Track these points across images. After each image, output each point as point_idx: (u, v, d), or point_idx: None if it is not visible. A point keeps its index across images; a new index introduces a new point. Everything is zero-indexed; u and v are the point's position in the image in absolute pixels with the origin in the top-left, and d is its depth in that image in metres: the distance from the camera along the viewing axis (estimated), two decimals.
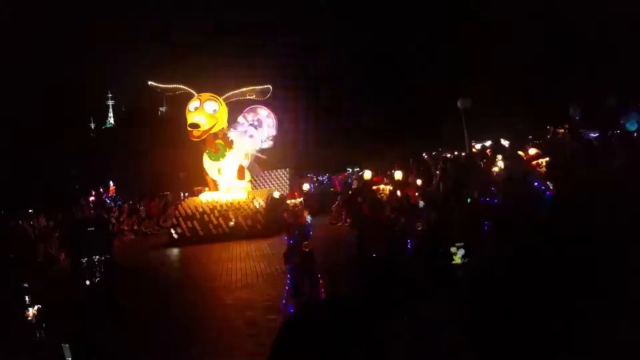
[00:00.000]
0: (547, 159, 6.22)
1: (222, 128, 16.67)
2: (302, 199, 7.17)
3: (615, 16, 19.83)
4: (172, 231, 15.98)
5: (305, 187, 10.53)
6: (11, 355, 6.07)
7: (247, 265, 11.00)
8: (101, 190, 26.22)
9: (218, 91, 17.02)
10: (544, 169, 6.11)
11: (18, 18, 25.93)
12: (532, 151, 6.64)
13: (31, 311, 6.39)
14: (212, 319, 7.32)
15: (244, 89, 17.36)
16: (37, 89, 27.41)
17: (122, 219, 18.93)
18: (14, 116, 24.69)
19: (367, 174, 11.85)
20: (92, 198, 23.85)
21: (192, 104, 16.16)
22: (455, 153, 19.60)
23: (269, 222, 15.02)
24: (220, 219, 15.71)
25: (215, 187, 17.22)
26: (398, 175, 10.30)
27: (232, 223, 15.53)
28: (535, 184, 6.52)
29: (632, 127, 13.90)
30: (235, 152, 16.82)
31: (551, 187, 6.01)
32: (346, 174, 22.59)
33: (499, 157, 11.39)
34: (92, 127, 46.00)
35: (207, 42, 32.57)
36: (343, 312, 1.11)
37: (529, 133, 18.59)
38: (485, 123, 21.58)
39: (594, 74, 21.45)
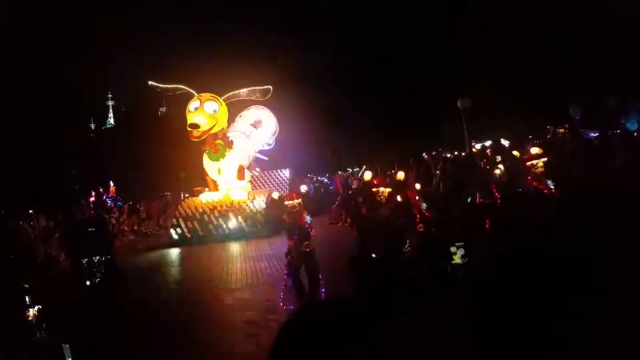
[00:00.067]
0: (545, 159, 6.19)
1: (222, 128, 16.68)
2: (300, 200, 7.17)
3: (615, 16, 19.83)
4: (172, 231, 15.98)
5: (303, 188, 10.50)
6: (11, 355, 6.07)
7: (247, 265, 11.01)
8: (101, 190, 26.21)
9: (218, 91, 17.02)
10: (539, 170, 6.10)
11: (18, 18, 25.94)
12: (534, 150, 6.63)
13: (31, 311, 6.39)
14: (212, 319, 7.33)
15: (245, 90, 17.36)
16: (37, 89, 27.42)
17: (122, 220, 18.94)
18: (14, 116, 24.70)
19: (368, 175, 11.86)
20: (92, 198, 23.84)
21: (192, 104, 16.16)
22: (455, 153, 19.61)
23: (269, 222, 15.03)
24: (221, 220, 15.72)
25: (215, 187, 17.22)
26: (400, 175, 10.31)
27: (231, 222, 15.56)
28: (519, 189, 6.53)
29: (632, 126, 13.90)
30: (235, 153, 16.83)
31: (552, 187, 6.01)
32: (346, 174, 22.57)
33: (498, 158, 11.40)
34: (92, 127, 46.05)
35: (207, 42, 32.58)
36: (343, 312, 1.11)
37: (529, 133, 18.60)
38: (485, 123, 21.57)
39: (594, 74, 21.45)
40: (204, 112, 15.91)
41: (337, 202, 16.89)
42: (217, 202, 16.24)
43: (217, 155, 16.53)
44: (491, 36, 22.93)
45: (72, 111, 30.37)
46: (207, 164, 16.90)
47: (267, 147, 18.80)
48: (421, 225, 7.15)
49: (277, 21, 34.98)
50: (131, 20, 37.81)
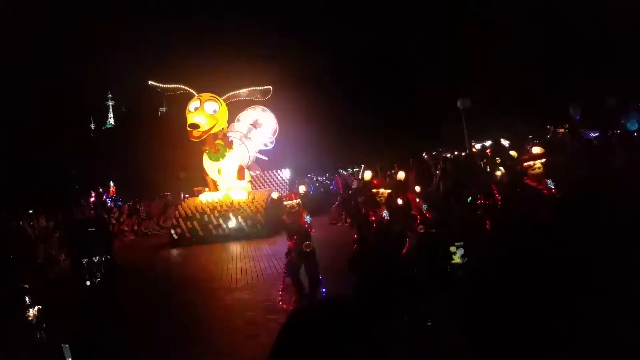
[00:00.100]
0: (543, 160, 6.17)
1: (222, 128, 16.68)
2: (299, 200, 7.17)
3: (615, 16, 19.83)
4: (172, 232, 15.98)
5: (302, 189, 10.48)
6: (11, 355, 6.08)
7: (247, 265, 11.01)
8: (101, 190, 26.22)
9: (218, 91, 17.02)
10: (537, 171, 6.09)
11: (18, 18, 25.94)
12: (536, 149, 6.62)
13: (31, 311, 6.40)
14: (212, 319, 7.32)
15: (245, 90, 17.36)
16: (37, 89, 27.43)
17: (122, 220, 18.94)
18: (14, 116, 24.70)
19: (367, 175, 11.86)
20: (92, 199, 23.84)
21: (192, 104, 16.16)
22: (455, 153, 19.61)
23: (269, 222, 15.02)
24: (221, 220, 15.72)
25: (215, 187, 17.22)
26: (401, 175, 10.29)
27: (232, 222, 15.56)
28: (517, 189, 6.52)
29: (632, 126, 13.90)
30: (235, 153, 16.83)
31: (552, 188, 6.01)
32: (346, 174, 22.58)
33: (498, 159, 11.40)
34: (92, 127, 46.06)
35: (207, 42, 32.59)
36: (343, 312, 1.11)
37: (529, 133, 18.59)
38: (485, 123, 21.57)
39: (594, 74, 21.44)
40: (204, 112, 15.90)
41: (337, 202, 16.89)
42: (217, 202, 16.24)
43: (217, 155, 16.53)
44: (491, 36, 22.93)
45: (72, 111, 30.38)
46: (207, 164, 16.90)
47: (267, 147, 18.82)
48: (422, 226, 7.14)
49: (277, 21, 35.02)
50: (131, 20, 37.83)
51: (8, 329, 6.56)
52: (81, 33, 34.48)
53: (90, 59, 35.99)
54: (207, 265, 11.95)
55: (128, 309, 7.99)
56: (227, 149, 16.61)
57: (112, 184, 27.72)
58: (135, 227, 19.38)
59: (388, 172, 16.48)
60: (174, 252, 14.71)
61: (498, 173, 8.70)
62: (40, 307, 6.45)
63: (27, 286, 6.78)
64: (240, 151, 17.11)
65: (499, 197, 7.77)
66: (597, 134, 13.93)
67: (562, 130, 15.87)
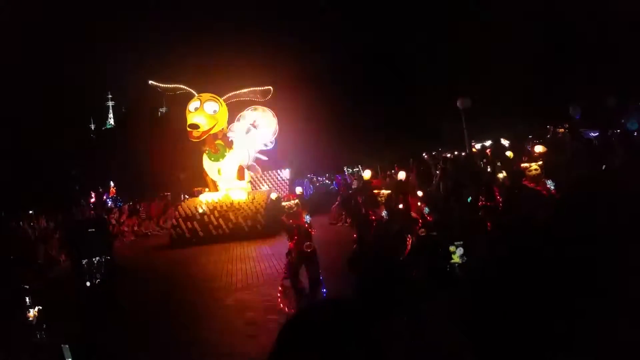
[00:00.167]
0: (540, 162, 6.19)
1: (222, 129, 16.68)
2: (297, 200, 7.16)
3: (615, 16, 19.82)
4: (172, 232, 15.98)
5: (298, 190, 10.48)
6: (12, 355, 6.07)
7: (247, 266, 11.00)
8: (100, 190, 26.23)
9: (218, 91, 17.02)
10: (533, 173, 6.10)
11: (18, 18, 25.94)
12: (539, 149, 6.63)
13: (32, 312, 6.40)
14: (212, 319, 7.32)
15: (245, 90, 17.36)
16: (37, 89, 27.43)
17: (122, 220, 18.94)
18: (14, 116, 24.70)
19: (367, 174, 11.86)
20: (92, 199, 23.84)
21: (192, 104, 16.16)
22: (455, 153, 19.61)
23: (269, 222, 15.02)
24: (221, 220, 15.71)
25: (215, 187, 17.22)
26: (401, 175, 10.28)
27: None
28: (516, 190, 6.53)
29: (632, 126, 13.90)
30: (235, 153, 16.82)
31: (551, 188, 6.01)
32: (347, 174, 22.59)
33: (499, 163, 11.40)
34: (92, 128, 46.06)
35: (207, 42, 32.58)
36: (343, 312, 1.11)
37: (529, 133, 18.59)
38: (485, 123, 21.56)
39: (594, 74, 21.43)
40: (204, 112, 15.91)
41: (337, 202, 16.89)
42: (217, 203, 16.23)
43: (217, 156, 16.53)
44: (491, 36, 22.92)
45: (72, 111, 30.39)
46: (207, 164, 16.90)
47: (267, 147, 18.81)
48: (423, 230, 7.14)
49: (277, 21, 35.03)
50: (131, 20, 37.85)
51: (8, 330, 6.56)
52: (81, 33, 34.51)
53: (90, 59, 36.00)
54: (207, 265, 11.94)
55: (128, 309, 7.99)
56: (227, 149, 16.61)
57: (112, 184, 27.74)
58: (135, 228, 19.38)
59: (388, 172, 16.49)
60: (174, 252, 14.69)
61: (500, 175, 8.70)
62: (41, 307, 6.46)
63: (27, 287, 6.79)
64: (240, 151, 17.11)
65: (500, 199, 7.78)
66: (597, 134, 13.93)
67: (562, 130, 15.86)
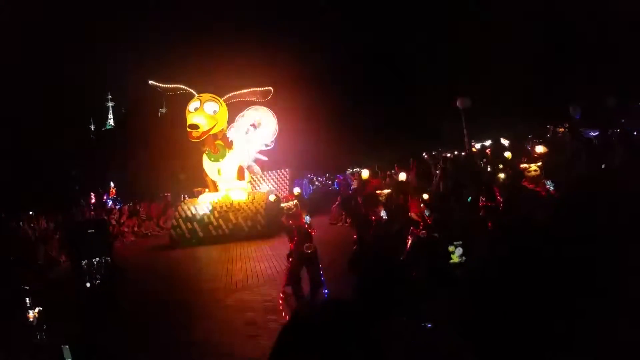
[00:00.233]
0: (540, 164, 6.21)
1: (222, 129, 16.68)
2: (296, 201, 7.14)
3: (615, 16, 19.83)
4: (172, 232, 15.98)
5: (296, 190, 10.47)
6: (12, 356, 6.07)
7: (247, 266, 11.00)
8: (100, 191, 26.23)
9: (218, 91, 17.02)
10: (532, 174, 6.11)
11: (18, 18, 25.96)
12: (540, 149, 6.64)
13: (32, 313, 6.39)
14: (212, 320, 7.32)
15: (245, 90, 17.35)
16: (37, 89, 27.45)
17: (122, 221, 18.93)
18: (14, 116, 24.71)
19: (365, 173, 11.86)
20: (92, 200, 23.84)
21: (192, 105, 16.16)
22: (455, 153, 19.60)
23: (269, 223, 15.02)
24: (220, 220, 15.71)
25: (215, 188, 17.21)
26: (402, 176, 10.27)
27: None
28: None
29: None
30: (234, 153, 16.82)
31: (550, 188, 6.02)
32: (347, 173, 22.59)
33: (501, 166, 11.39)
34: (92, 128, 46.09)
35: (207, 42, 32.59)
36: (344, 313, 1.11)
37: (529, 133, 18.59)
38: (485, 123, 21.57)
39: (594, 74, 21.44)
40: (203, 112, 15.90)
41: (337, 202, 16.89)
42: (216, 203, 16.23)
43: (217, 156, 16.53)
44: (491, 36, 22.93)
45: (72, 111, 30.40)
46: (207, 164, 16.90)
47: (267, 147, 18.81)
48: (424, 232, 7.14)
49: (277, 21, 35.04)
50: (131, 20, 37.86)
51: (8, 331, 6.55)
52: (81, 33, 34.53)
53: (90, 59, 36.03)
54: (207, 266, 11.95)
55: (128, 310, 7.99)
56: (227, 150, 16.60)
57: (112, 184, 27.74)
58: (135, 228, 19.38)
59: (388, 172, 16.49)
60: (174, 253, 14.70)
61: (501, 175, 8.70)
62: (41, 308, 6.45)
63: (27, 287, 6.78)
64: (240, 152, 17.11)
65: (501, 199, 7.78)
66: (597, 134, 13.93)
67: (562, 129, 15.85)
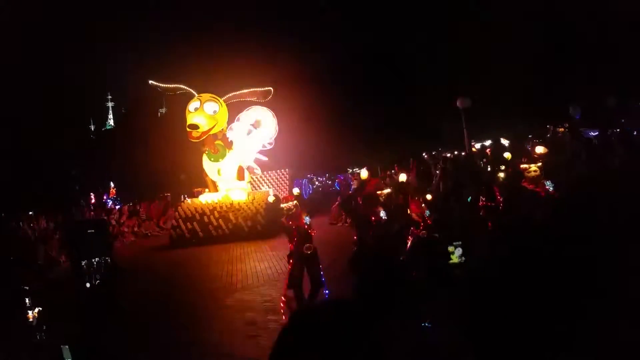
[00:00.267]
0: (539, 164, 6.22)
1: (222, 129, 16.67)
2: (296, 201, 7.11)
3: (615, 16, 19.82)
4: (172, 233, 15.98)
5: (295, 191, 10.45)
6: (11, 356, 6.07)
7: (247, 266, 11.00)
8: (100, 191, 26.23)
9: (219, 91, 17.02)
10: (532, 174, 6.12)
11: (18, 18, 25.96)
12: (540, 149, 6.65)
13: (31, 313, 6.39)
14: (212, 320, 7.32)
15: (245, 91, 17.35)
16: (37, 89, 27.45)
17: (122, 221, 18.93)
18: (14, 116, 24.71)
19: (364, 174, 11.85)
20: (92, 200, 23.84)
21: (192, 105, 16.16)
22: (455, 153, 19.60)
23: (269, 223, 15.02)
24: (220, 220, 15.70)
25: (214, 188, 17.21)
26: (402, 177, 10.25)
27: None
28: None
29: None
30: (234, 153, 16.82)
31: (550, 189, 6.02)
32: (348, 174, 22.62)
33: (502, 167, 11.39)
34: (92, 128, 46.09)
35: (207, 42, 32.59)
36: (344, 313, 1.11)
37: (529, 133, 18.59)
38: (485, 123, 21.57)
39: (594, 74, 21.43)
40: (203, 112, 15.91)
41: (337, 202, 16.89)
42: (217, 203, 16.23)
43: (216, 156, 16.53)
44: (491, 36, 22.92)
45: (72, 111, 30.40)
46: (207, 164, 16.90)
47: (267, 148, 18.82)
48: (424, 232, 7.13)
49: (277, 21, 35.04)
50: (131, 20, 37.87)
51: (8, 331, 6.55)
52: (81, 33, 34.53)
53: (90, 59, 36.04)
54: (207, 266, 11.94)
55: (128, 310, 7.99)
56: (227, 150, 16.60)
57: (112, 184, 27.74)
58: (135, 229, 19.37)
59: (388, 172, 16.49)
60: (174, 253, 14.69)
61: (501, 175, 8.70)
62: (40, 308, 6.45)
63: (27, 288, 6.77)
64: (240, 152, 17.11)
65: (501, 199, 7.78)
66: (597, 133, 13.93)
67: (562, 129, 15.86)
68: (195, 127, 15.63)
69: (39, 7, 28.36)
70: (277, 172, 22.94)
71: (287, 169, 23.37)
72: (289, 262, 6.91)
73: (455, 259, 5.47)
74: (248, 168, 17.54)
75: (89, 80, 34.89)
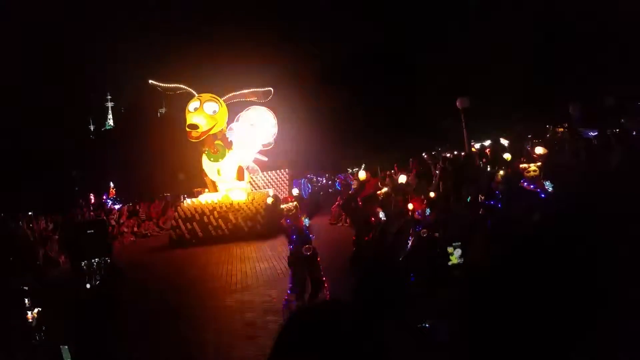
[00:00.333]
0: (539, 164, 6.24)
1: (222, 129, 16.67)
2: (295, 202, 7.08)
3: (615, 16, 19.83)
4: (172, 233, 15.97)
5: (295, 192, 10.44)
6: (11, 357, 6.07)
7: (246, 266, 11.00)
8: (100, 191, 26.23)
9: (219, 91, 17.01)
10: (532, 174, 6.13)
11: (18, 18, 25.98)
12: (539, 150, 6.65)
13: (31, 314, 6.38)
14: (211, 320, 7.32)
15: (246, 91, 17.34)
16: (37, 89, 27.47)
17: (121, 221, 18.93)
18: (14, 116, 24.73)
19: (362, 174, 11.84)
20: (92, 200, 23.84)
21: (192, 105, 16.16)
22: (455, 153, 19.60)
23: (269, 223, 15.01)
24: (220, 220, 15.70)
25: (214, 188, 17.20)
26: (402, 179, 10.23)
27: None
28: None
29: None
30: (234, 153, 16.81)
31: (549, 189, 6.02)
32: (348, 174, 22.61)
33: (503, 168, 11.38)
34: (92, 128, 46.09)
35: (207, 42, 32.60)
36: (344, 312, 1.11)
37: (529, 133, 18.58)
38: (485, 123, 21.57)
39: (594, 74, 21.43)
40: (203, 112, 15.90)
41: (337, 202, 16.88)
42: (216, 203, 16.22)
43: (216, 156, 16.53)
44: (491, 36, 22.94)
45: (72, 111, 30.43)
46: (206, 164, 16.89)
47: (266, 148, 18.81)
48: (424, 230, 7.13)
49: (277, 21, 35.02)
50: (131, 20, 37.88)
51: (7, 331, 6.55)
52: (81, 33, 34.53)
53: (90, 59, 36.05)
54: (206, 266, 11.94)
55: (127, 310, 7.98)
56: (227, 150, 16.59)
57: (111, 185, 27.74)
58: (135, 229, 19.37)
59: (388, 172, 16.47)
60: (174, 253, 14.69)
61: (501, 173, 8.69)
62: (40, 309, 6.44)
63: (27, 288, 6.77)
64: (240, 152, 17.11)
65: (501, 199, 7.78)
66: (596, 133, 13.92)
67: (562, 129, 15.86)
68: (194, 127, 15.63)
69: (39, 7, 28.39)
70: (276, 173, 22.95)
71: (286, 169, 23.37)
72: (289, 265, 6.85)
73: (454, 260, 5.47)
74: (248, 168, 17.54)
75: (89, 81, 34.91)
